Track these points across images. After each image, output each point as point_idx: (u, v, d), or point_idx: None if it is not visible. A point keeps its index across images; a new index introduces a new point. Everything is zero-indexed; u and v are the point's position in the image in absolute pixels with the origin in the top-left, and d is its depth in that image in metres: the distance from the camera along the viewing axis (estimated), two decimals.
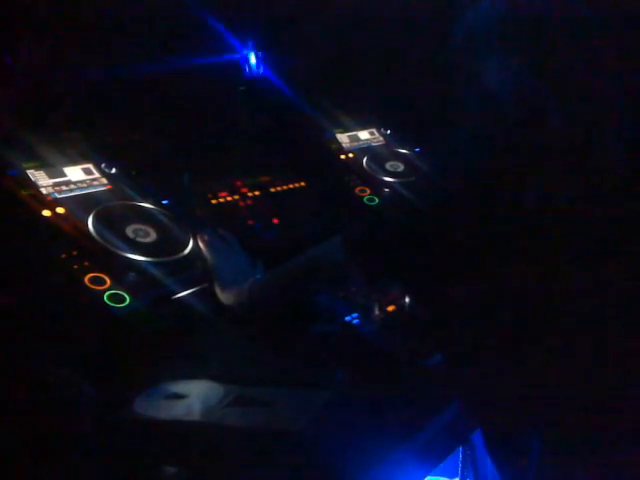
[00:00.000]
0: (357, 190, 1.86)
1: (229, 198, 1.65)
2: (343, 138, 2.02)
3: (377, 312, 1.37)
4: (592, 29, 1.08)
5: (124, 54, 1.62)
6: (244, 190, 1.69)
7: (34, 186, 1.35)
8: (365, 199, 1.84)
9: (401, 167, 1.97)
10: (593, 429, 1.08)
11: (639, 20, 1.11)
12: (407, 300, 1.39)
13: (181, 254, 1.38)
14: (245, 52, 1.87)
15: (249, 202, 1.67)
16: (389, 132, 2.12)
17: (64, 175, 1.42)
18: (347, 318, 1.34)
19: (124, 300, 1.23)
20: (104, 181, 1.47)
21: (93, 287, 1.22)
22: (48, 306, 1.21)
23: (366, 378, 1.20)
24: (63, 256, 1.25)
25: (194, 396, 1.14)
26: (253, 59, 1.88)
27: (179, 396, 1.14)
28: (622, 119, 1.11)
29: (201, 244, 1.41)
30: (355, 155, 1.97)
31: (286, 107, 1.92)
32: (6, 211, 1.31)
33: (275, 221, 1.65)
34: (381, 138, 2.10)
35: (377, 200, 1.84)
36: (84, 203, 1.38)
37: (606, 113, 1.11)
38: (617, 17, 1.12)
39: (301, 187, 1.81)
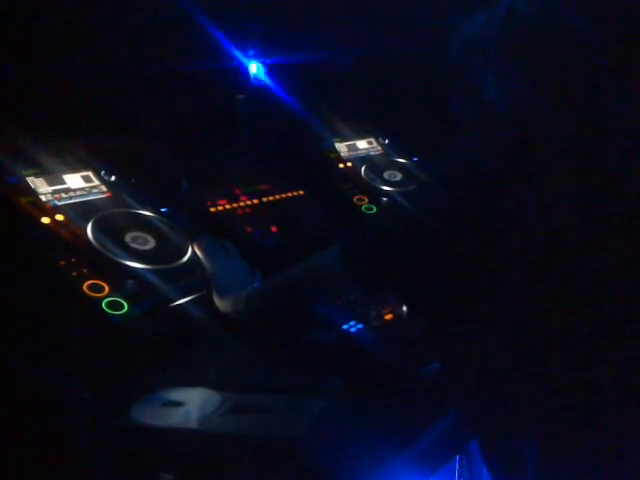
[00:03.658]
0: (355, 199, 1.87)
1: (228, 206, 1.65)
2: (342, 147, 2.02)
3: (374, 321, 1.38)
4: (590, 39, 1.09)
5: (124, 61, 1.62)
6: (243, 198, 1.70)
7: (33, 193, 1.36)
8: (363, 208, 1.85)
9: (399, 176, 1.98)
10: (590, 438, 1.08)
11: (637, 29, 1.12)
12: (404, 309, 1.39)
13: (180, 262, 1.39)
14: (245, 61, 1.88)
15: (248, 210, 1.67)
16: (387, 141, 2.12)
17: (63, 182, 1.43)
18: (345, 326, 1.35)
19: (122, 307, 1.23)
20: (103, 189, 1.47)
21: (92, 294, 1.22)
22: (47, 313, 1.21)
23: (363, 386, 1.20)
24: (62, 263, 1.25)
25: (191, 403, 1.14)
26: (253, 68, 1.89)
27: (176, 403, 1.15)
28: (621, 130, 1.12)
29: (199, 252, 1.41)
30: (353, 164, 1.98)
31: (285, 116, 1.92)
32: (5, 218, 1.32)
33: (273, 229, 1.65)
34: (379, 147, 2.10)
35: (375, 209, 1.85)
36: (83, 210, 1.38)
37: (604, 123, 1.11)
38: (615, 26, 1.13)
39: (299, 195, 1.81)
